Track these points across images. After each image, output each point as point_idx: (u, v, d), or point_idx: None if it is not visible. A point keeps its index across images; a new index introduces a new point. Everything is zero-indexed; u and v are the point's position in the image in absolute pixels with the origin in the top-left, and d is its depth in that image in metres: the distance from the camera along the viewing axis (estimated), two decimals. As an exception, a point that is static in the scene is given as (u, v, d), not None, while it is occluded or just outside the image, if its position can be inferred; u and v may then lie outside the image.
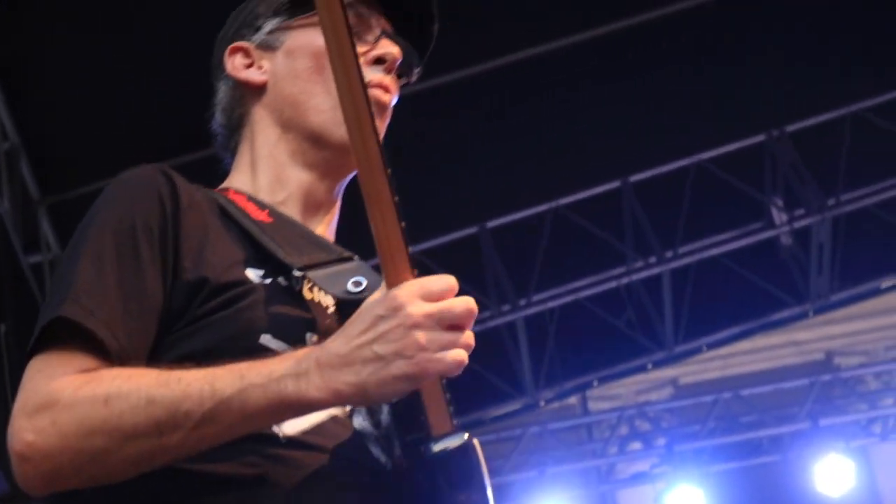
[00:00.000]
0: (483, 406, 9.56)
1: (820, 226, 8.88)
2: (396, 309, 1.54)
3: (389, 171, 1.57)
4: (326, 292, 1.73)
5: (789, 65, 8.05)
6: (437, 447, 1.60)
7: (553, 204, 8.73)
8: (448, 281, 1.59)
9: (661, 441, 10.53)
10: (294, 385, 1.55)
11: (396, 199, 1.57)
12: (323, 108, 1.94)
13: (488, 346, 9.03)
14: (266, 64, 2.02)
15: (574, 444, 10.64)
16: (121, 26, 6.44)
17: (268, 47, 2.03)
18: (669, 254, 8.89)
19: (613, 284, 9.06)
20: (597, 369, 9.77)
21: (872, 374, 11.56)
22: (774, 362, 12.92)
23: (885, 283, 9.75)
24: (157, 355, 1.70)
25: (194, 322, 1.71)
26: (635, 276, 9.01)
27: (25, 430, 1.59)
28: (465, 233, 8.72)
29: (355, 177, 1.75)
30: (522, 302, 8.86)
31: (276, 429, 1.65)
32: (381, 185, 1.56)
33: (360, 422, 1.73)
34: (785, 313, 9.62)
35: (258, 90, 2.02)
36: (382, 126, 1.97)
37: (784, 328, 10.50)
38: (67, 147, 6.95)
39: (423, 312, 1.54)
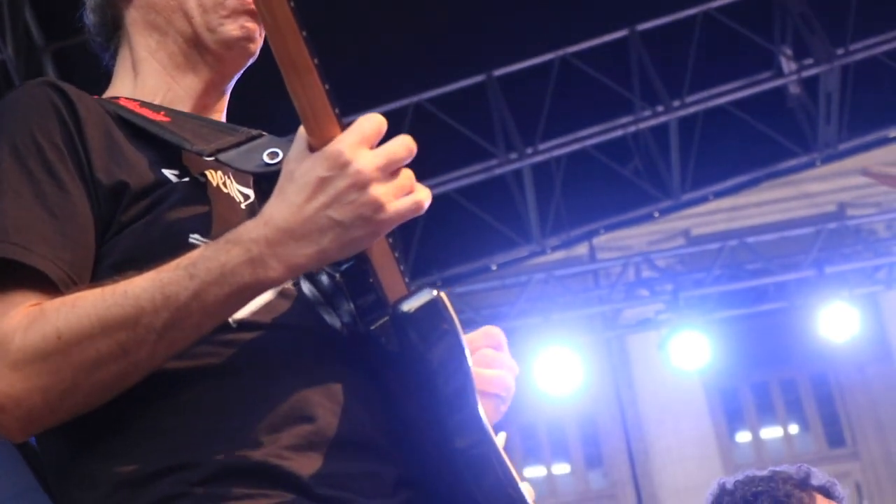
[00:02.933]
0: (490, 253, 9.73)
1: (828, 75, 8.86)
2: (343, 166, 1.48)
3: (304, 33, 1.48)
4: (242, 170, 1.68)
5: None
6: (407, 306, 1.57)
7: (560, 52, 8.72)
8: (376, 118, 1.52)
9: (667, 287, 10.65)
10: (251, 272, 1.50)
11: (316, 61, 1.49)
12: (192, 13, 1.88)
13: (495, 193, 9.14)
14: None
15: (580, 292, 10.79)
16: None
17: None
18: (677, 102, 8.90)
19: (620, 133, 9.10)
20: (603, 217, 9.88)
21: (884, 222, 11.63)
22: (786, 214, 12.99)
23: (893, 133, 9.75)
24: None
25: (122, 229, 1.64)
26: (642, 125, 9.04)
27: None
28: (472, 81, 8.72)
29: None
30: (529, 150, 8.92)
31: None
32: (297, 50, 1.48)
33: (307, 288, 1.68)
34: (792, 162, 9.67)
35: None
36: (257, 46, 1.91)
37: (795, 180, 10.53)
38: (71, -8, 6.94)
39: (374, 166, 1.48)
